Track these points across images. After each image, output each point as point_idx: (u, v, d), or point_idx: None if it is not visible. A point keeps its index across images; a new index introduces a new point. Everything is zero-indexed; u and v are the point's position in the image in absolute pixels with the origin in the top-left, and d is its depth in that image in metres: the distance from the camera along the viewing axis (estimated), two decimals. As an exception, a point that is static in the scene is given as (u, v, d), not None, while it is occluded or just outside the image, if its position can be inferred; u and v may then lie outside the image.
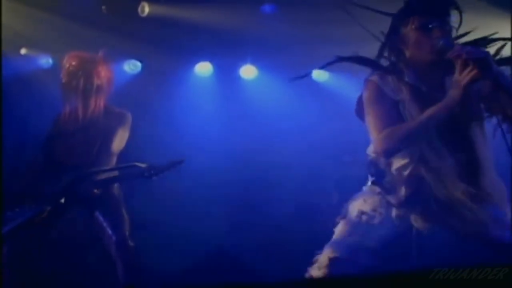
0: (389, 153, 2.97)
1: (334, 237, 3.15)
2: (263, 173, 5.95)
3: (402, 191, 3.00)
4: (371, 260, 3.02)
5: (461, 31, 3.00)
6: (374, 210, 3.08)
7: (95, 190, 4.10)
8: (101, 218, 4.20)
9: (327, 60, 6.00)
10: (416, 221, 3.00)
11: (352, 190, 3.32)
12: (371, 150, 3.13)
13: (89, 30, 5.43)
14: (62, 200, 4.01)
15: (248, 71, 6.33)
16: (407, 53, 2.97)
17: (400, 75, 2.95)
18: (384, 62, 3.07)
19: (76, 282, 4.92)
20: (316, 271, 3.07)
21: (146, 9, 5.45)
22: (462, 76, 2.68)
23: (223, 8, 5.43)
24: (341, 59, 3.08)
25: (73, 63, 4.30)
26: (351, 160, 5.60)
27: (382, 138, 2.90)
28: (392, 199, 3.04)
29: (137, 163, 4.06)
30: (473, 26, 3.03)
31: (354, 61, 3.06)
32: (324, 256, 3.07)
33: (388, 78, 2.98)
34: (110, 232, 4.16)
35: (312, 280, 2.82)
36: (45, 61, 5.97)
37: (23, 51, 5.87)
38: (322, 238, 3.17)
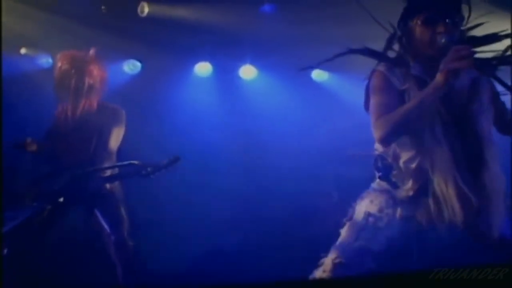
0: (386, 140, 2.91)
1: (340, 240, 3.08)
2: (263, 173, 5.94)
3: (409, 185, 2.97)
4: (376, 264, 2.95)
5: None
6: (380, 211, 3.03)
7: (94, 189, 4.11)
8: (100, 217, 4.21)
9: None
10: (422, 217, 2.94)
11: (351, 189, 3.29)
12: (378, 145, 3.10)
13: (88, 30, 5.43)
14: (61, 199, 4.01)
15: (247, 71, 6.33)
16: (414, 46, 2.95)
17: (406, 67, 2.93)
18: (391, 54, 3.04)
19: (75, 281, 4.91)
20: (320, 274, 3.01)
21: (145, 9, 5.45)
22: (452, 61, 2.66)
23: (223, 8, 5.43)
24: (352, 51, 3.02)
25: (65, 62, 4.30)
26: (351, 159, 5.60)
27: (378, 125, 2.86)
28: (399, 194, 3.01)
29: (134, 162, 4.07)
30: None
31: (364, 53, 3.02)
32: (328, 260, 3.02)
33: (395, 70, 2.95)
34: (109, 231, 4.16)
35: (311, 280, 2.80)
36: (45, 61, 5.96)
37: (22, 51, 5.87)
38: (321, 238, 3.14)
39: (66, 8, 5.37)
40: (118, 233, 4.19)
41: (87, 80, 4.27)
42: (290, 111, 6.16)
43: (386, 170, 3.06)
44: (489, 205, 2.86)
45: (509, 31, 2.94)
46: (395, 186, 3.03)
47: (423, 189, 2.93)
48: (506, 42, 2.96)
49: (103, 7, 5.52)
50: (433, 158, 2.87)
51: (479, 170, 2.88)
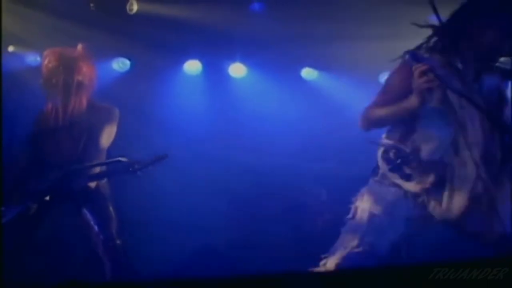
0: (366, 128, 3.03)
1: (341, 241, 3.03)
2: (252, 171, 5.94)
3: (430, 177, 2.91)
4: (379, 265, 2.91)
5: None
6: (384, 212, 2.98)
7: (81, 187, 4.09)
8: (88, 216, 4.18)
9: (314, 58, 5.95)
10: (434, 210, 2.91)
11: (341, 187, 3.26)
12: (388, 137, 3.06)
13: (77, 27, 5.40)
14: (47, 198, 3.99)
15: (237, 69, 6.32)
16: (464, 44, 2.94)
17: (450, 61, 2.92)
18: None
19: (63, 281, 4.88)
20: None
21: (134, 6, 5.42)
22: (415, 80, 2.69)
23: (213, 6, 5.43)
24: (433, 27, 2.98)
25: (53, 59, 4.26)
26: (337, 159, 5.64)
27: (363, 116, 3.00)
28: (412, 186, 2.94)
29: (121, 158, 4.06)
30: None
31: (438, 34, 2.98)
32: (331, 262, 2.98)
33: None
34: (97, 230, 4.14)
35: (310, 273, 2.76)
36: (33, 59, 5.92)
37: (11, 48, 5.83)
38: (311, 234, 3.14)
39: (54, 5, 5.34)
40: (106, 232, 4.16)
41: (76, 77, 4.23)
42: (280, 109, 6.16)
43: (402, 161, 2.95)
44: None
45: None
46: (408, 178, 2.95)
47: (442, 182, 2.90)
48: None
49: (91, 5, 5.49)
50: (459, 153, 2.86)
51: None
